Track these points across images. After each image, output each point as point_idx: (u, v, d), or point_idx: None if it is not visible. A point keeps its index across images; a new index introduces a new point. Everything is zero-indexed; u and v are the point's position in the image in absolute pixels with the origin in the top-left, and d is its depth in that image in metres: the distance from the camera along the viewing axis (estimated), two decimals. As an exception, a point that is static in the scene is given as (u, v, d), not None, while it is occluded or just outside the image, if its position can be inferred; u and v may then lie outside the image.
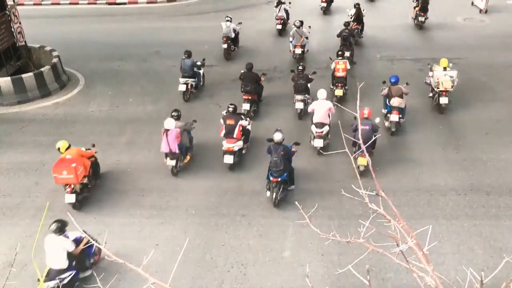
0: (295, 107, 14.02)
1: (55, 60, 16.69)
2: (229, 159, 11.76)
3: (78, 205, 10.70)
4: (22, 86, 15.53)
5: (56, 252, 8.17)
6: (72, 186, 10.39)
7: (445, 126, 13.43)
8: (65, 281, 8.11)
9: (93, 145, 11.48)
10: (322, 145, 12.15)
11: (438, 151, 12.34)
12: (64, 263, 8.18)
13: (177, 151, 11.41)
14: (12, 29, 16.73)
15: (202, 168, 12.04)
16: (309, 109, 12.78)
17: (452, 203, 10.54)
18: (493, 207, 10.39)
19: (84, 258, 8.71)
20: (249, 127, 12.55)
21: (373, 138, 10.42)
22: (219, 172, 11.87)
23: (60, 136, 13.60)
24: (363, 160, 10.99)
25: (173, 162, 11.53)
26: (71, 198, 10.43)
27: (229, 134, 11.85)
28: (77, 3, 26.53)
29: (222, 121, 12.14)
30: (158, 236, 9.93)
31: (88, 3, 26.50)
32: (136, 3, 26.18)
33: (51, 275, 8.10)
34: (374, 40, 19.58)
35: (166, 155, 11.59)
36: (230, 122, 11.90)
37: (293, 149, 10.92)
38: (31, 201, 11.07)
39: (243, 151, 12.33)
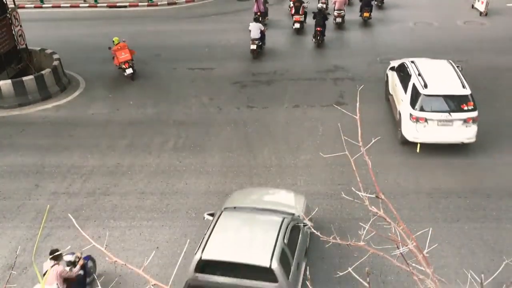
0: (320, 5, 21.20)
1: (55, 63, 16.72)
2: (297, 25, 20.79)
3: (133, 76, 16.88)
4: (23, 89, 15.56)
5: (256, 30, 18.19)
6: (129, 63, 16.65)
7: (445, 129, 13.43)
8: (257, 42, 18.31)
9: (124, 40, 17.22)
10: (340, 21, 21.40)
11: (438, 154, 12.34)
12: (258, 35, 18.21)
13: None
14: (13, 32, 16.77)
15: (202, 171, 12.06)
16: (333, 1, 21.50)
17: (453, 206, 10.53)
18: (494, 210, 10.38)
19: (263, 39, 18.83)
20: (306, 9, 21.14)
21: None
22: (219, 175, 11.88)
23: (60, 139, 13.67)
24: (367, 14, 21.57)
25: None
26: (130, 70, 16.78)
27: (296, 11, 20.75)
28: (78, 6, 26.59)
29: (291, 4, 21.58)
30: (159, 239, 9.93)
31: (89, 6, 26.56)
32: (137, 6, 26.24)
33: (253, 40, 18.12)
34: (375, 44, 19.63)
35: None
36: (297, 4, 20.69)
37: (327, 16, 20.05)
38: (31, 204, 11.08)
39: (304, 23, 21.15)
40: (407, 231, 3.06)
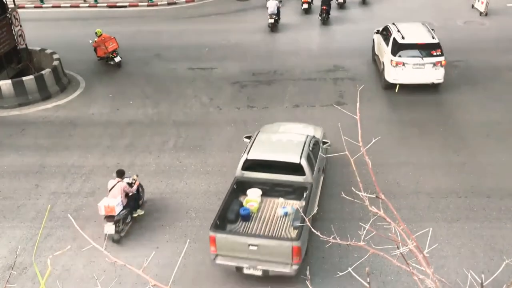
0: None
1: (55, 62, 16.71)
2: (305, 6, 22.90)
3: (120, 63, 17.72)
4: (23, 89, 15.56)
5: (273, 6, 20.04)
6: (116, 52, 17.64)
7: (445, 129, 13.43)
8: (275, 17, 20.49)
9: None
10: (342, 2, 23.89)
11: (438, 154, 12.34)
12: (276, 11, 20.40)
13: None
14: (13, 32, 16.77)
15: (202, 171, 12.06)
16: None
17: (453, 206, 10.53)
18: (494, 210, 10.37)
19: (279, 14, 20.84)
20: None
21: None
22: (219, 175, 11.88)
23: (60, 139, 13.66)
24: None
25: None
26: (119, 58, 17.72)
27: None
28: (78, 6, 26.59)
29: None
30: (158, 239, 9.92)
31: (89, 6, 26.55)
32: (137, 6, 26.23)
33: (271, 15, 19.79)
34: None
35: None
36: None
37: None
38: (31, 204, 11.08)
39: (311, 4, 23.33)
40: (407, 231, 3.06)
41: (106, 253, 3.13)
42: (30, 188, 11.62)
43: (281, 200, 9.86)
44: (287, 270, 8.40)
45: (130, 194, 10.03)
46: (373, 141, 3.83)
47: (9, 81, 15.49)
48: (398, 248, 3.07)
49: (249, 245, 8.39)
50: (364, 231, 3.21)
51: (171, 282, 3.21)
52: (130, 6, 26.25)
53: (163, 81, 17.09)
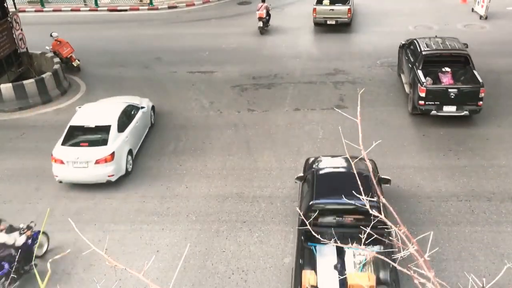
0: None
1: (56, 66, 16.75)
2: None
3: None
4: (24, 93, 15.58)
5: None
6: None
7: (445, 132, 13.43)
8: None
9: None
10: None
11: (439, 157, 12.33)
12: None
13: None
14: (14, 36, 16.81)
15: (203, 174, 12.06)
16: None
17: (453, 209, 10.52)
18: (495, 213, 10.36)
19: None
20: None
21: None
22: (220, 178, 11.88)
23: (61, 142, 13.65)
24: None
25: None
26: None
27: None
28: (79, 10, 26.65)
29: None
30: (159, 243, 9.92)
31: (90, 10, 26.61)
32: (137, 9, 26.29)
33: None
34: (375, 47, 19.65)
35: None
36: None
37: None
38: (32, 207, 11.07)
39: None
40: (408, 235, 3.06)
41: (107, 257, 3.13)
42: (30, 192, 11.62)
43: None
44: (346, 20, 20.24)
45: (268, 11, 20.66)
46: (374, 144, 3.83)
47: (9, 85, 15.51)
48: (399, 251, 3.06)
49: (330, 9, 20.11)
50: (365, 235, 3.21)
51: (171, 286, 3.21)
52: (130, 9, 26.32)
53: (163, 84, 17.11)
